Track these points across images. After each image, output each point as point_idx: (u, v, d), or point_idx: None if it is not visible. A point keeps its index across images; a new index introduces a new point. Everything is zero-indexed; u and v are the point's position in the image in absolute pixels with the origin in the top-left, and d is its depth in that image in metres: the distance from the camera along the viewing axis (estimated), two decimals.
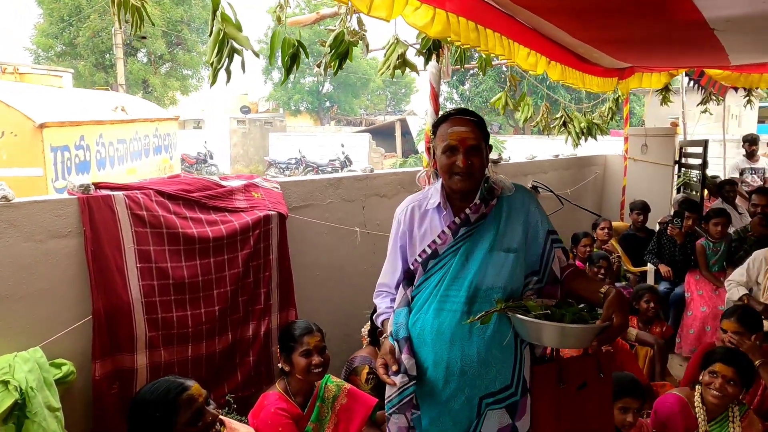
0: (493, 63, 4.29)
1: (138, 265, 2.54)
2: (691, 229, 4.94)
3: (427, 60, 3.53)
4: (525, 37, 3.84)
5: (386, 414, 1.93)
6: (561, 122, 5.50)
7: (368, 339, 2.95)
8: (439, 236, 1.92)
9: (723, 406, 2.62)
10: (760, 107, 19.30)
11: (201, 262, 2.68)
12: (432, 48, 3.46)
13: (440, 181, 1.96)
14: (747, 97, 7.27)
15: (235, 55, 2.35)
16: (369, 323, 2.96)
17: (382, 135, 27.24)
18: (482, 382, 1.86)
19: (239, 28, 2.38)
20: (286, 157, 21.64)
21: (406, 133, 26.38)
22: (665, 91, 7.07)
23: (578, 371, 1.88)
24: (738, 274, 4.07)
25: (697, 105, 7.34)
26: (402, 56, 3.19)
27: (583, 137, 5.78)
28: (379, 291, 2.12)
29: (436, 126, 1.96)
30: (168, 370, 2.62)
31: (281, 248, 3.04)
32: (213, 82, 2.42)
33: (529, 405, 1.91)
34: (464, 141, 1.84)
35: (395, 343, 1.89)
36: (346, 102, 35.61)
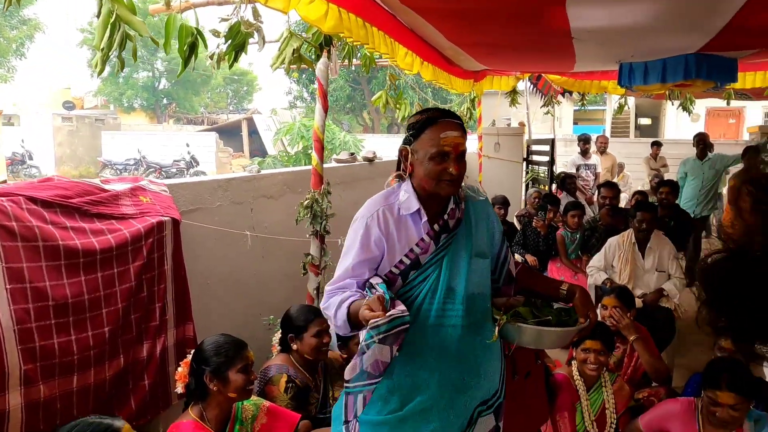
0: (376, 62, 4.30)
1: (7, 287, 2.14)
2: (552, 221, 5.39)
3: (318, 56, 3.43)
4: (404, 37, 3.91)
5: (364, 343, 1.66)
6: None
7: (278, 348, 2.79)
8: (418, 244, 1.80)
9: (597, 376, 2.88)
10: (574, 110, 21.83)
11: (87, 278, 2.33)
12: (323, 44, 3.37)
13: (408, 184, 1.84)
14: (581, 101, 8.12)
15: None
16: (279, 332, 2.80)
17: (229, 134, 26.14)
18: (480, 393, 1.83)
19: (133, 10, 2.11)
20: (123, 157, 19.85)
21: (253, 132, 25.60)
22: (513, 93, 7.65)
23: (525, 362, 1.95)
24: (596, 260, 4.51)
25: (541, 107, 8.04)
26: (298, 51, 3.06)
27: None
28: (334, 290, 1.81)
29: (418, 128, 1.79)
30: (48, 407, 2.24)
31: (176, 257, 2.76)
32: (101, 71, 2.13)
33: None
34: (457, 147, 1.75)
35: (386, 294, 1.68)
36: (186, 99, 33.59)
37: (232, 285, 3.42)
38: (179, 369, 2.15)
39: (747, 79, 5.67)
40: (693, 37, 4.04)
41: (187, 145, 20.73)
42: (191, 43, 2.35)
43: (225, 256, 3.34)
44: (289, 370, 2.62)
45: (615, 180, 8.74)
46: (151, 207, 2.65)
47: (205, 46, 2.47)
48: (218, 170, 22.07)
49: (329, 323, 2.70)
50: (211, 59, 2.75)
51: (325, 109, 3.62)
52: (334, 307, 1.75)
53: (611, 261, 4.42)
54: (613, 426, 2.86)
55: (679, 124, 19.77)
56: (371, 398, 1.75)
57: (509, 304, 1.84)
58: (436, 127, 1.75)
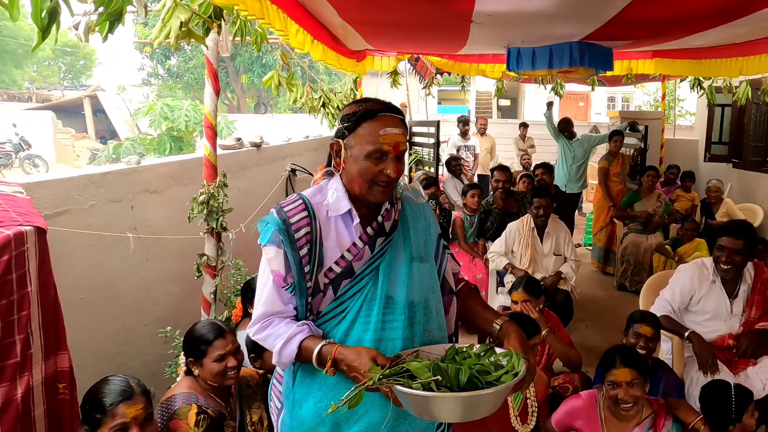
0: (269, 39, 3.90)
1: None
2: (444, 204, 5.35)
3: (208, 30, 2.99)
4: (296, 12, 3.61)
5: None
6: (321, 103, 5.37)
7: (184, 369, 2.38)
8: (349, 250, 1.58)
9: None
10: (439, 90, 22.48)
11: None
12: (213, 16, 2.94)
13: (338, 181, 1.61)
14: (461, 82, 8.22)
15: None
16: (182, 354, 2.39)
17: (67, 113, 23.33)
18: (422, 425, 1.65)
19: None
20: None
21: (98, 111, 23.18)
22: (395, 74, 7.54)
23: None
24: (497, 245, 4.54)
25: (423, 88, 8.01)
26: (186, 24, 2.61)
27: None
28: (267, 320, 1.58)
29: (354, 120, 1.55)
30: None
31: (43, 275, 2.21)
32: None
33: None
34: (398, 146, 1.54)
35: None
36: (5, 72, 29.50)
37: (108, 298, 2.91)
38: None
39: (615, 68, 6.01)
40: (582, 26, 4.14)
41: (14, 126, 18.26)
42: (51, 9, 1.86)
43: (102, 264, 2.83)
44: (198, 399, 2.24)
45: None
46: (4, 214, 2.10)
47: (71, 12, 1.98)
48: (58, 154, 19.72)
49: (241, 345, 2.38)
50: (76, 29, 2.23)
51: (217, 91, 3.18)
52: (278, 340, 1.54)
53: (511, 246, 4.47)
54: (535, 415, 2.85)
55: (536, 106, 21.14)
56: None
57: (404, 358, 1.46)
58: (374, 122, 1.53)
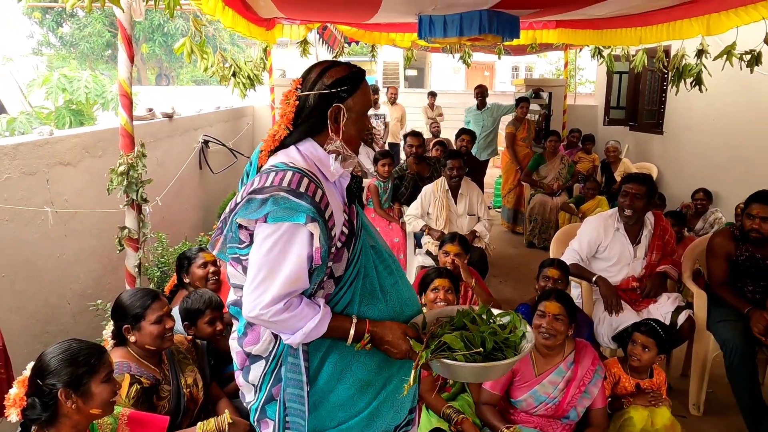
0: (182, 4, 3.78)
1: None
2: (356, 172, 5.46)
3: None
4: None
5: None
6: (231, 72, 5.26)
7: (112, 342, 2.36)
8: (344, 211, 1.61)
9: None
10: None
11: None
12: None
13: (314, 146, 1.59)
14: (371, 52, 8.28)
15: None
16: (110, 324, 2.37)
17: None
18: (405, 413, 1.75)
19: None
20: None
21: None
22: (304, 43, 7.49)
23: None
24: (413, 208, 4.73)
25: (334, 57, 8.00)
26: None
27: (251, 87, 5.68)
28: (288, 301, 1.45)
29: (353, 83, 1.57)
30: None
31: None
32: None
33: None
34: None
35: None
36: None
37: (29, 274, 2.81)
38: (12, 391, 1.68)
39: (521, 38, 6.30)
40: None
41: None
42: None
43: (20, 239, 2.72)
44: (131, 368, 2.25)
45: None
46: None
47: None
48: None
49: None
50: None
51: (131, 57, 3.09)
52: (307, 321, 1.47)
53: (427, 208, 4.66)
54: None
55: (442, 76, 21.56)
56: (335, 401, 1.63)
57: (432, 331, 1.64)
58: (365, 83, 1.62)
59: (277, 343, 1.59)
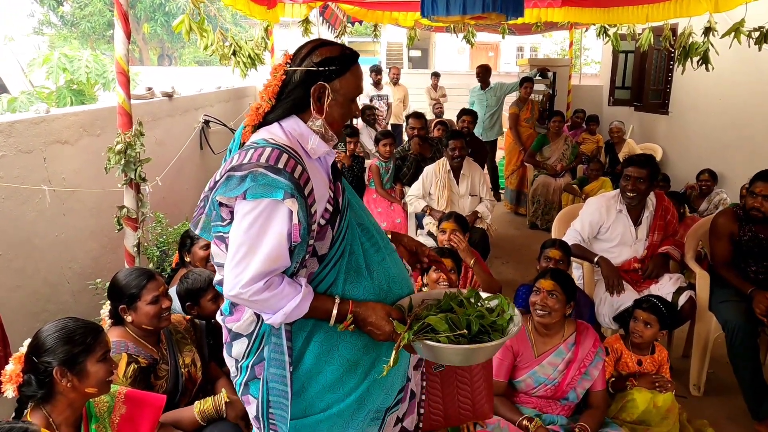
0: None
1: None
2: (354, 152, 5.41)
3: None
4: None
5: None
6: (231, 51, 5.20)
7: (109, 321, 2.36)
8: (330, 187, 1.59)
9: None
10: (350, 42, 22.19)
11: None
12: None
13: (319, 123, 1.57)
14: (374, 32, 8.18)
15: None
16: (107, 304, 2.36)
17: None
18: (395, 393, 1.73)
19: None
20: None
21: None
22: (306, 22, 7.39)
23: None
24: (415, 189, 4.69)
25: (336, 37, 7.90)
26: None
27: (252, 67, 5.62)
28: (268, 280, 1.43)
29: (343, 64, 1.54)
30: None
31: None
32: None
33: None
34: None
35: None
36: None
37: (28, 254, 2.81)
38: (8, 367, 1.67)
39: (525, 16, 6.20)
40: None
41: None
42: None
43: (17, 218, 2.71)
44: (128, 347, 2.25)
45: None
46: None
47: None
48: None
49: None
50: None
51: (128, 34, 3.05)
52: (287, 300, 1.45)
53: (429, 189, 4.63)
54: None
55: (446, 56, 21.36)
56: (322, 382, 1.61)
57: (417, 313, 1.60)
58: (356, 66, 1.58)
59: (260, 322, 1.57)
